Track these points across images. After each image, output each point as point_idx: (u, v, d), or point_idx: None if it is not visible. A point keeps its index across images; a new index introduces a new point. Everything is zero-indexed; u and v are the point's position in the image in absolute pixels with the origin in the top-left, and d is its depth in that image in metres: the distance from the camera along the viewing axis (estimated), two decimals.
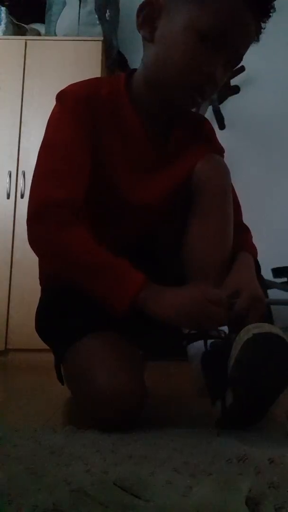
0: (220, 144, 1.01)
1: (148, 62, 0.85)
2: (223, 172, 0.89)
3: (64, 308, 0.86)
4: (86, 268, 0.76)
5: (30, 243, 0.82)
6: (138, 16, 0.82)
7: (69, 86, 0.88)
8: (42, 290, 0.99)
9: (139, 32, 0.84)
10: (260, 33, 0.81)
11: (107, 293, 0.74)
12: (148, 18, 0.82)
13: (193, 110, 0.98)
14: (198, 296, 0.72)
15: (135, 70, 0.91)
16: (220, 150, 1.00)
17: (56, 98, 0.87)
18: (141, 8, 0.82)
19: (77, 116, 0.84)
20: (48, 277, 0.97)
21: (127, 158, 0.87)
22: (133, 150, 0.88)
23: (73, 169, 0.81)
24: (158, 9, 0.81)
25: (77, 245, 0.77)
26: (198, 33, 0.77)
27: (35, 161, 0.84)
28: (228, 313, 0.74)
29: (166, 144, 0.91)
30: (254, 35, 0.80)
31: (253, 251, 0.95)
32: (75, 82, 0.89)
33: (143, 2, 0.82)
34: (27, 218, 0.81)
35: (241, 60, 0.83)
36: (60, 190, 0.79)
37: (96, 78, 0.99)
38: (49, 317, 0.92)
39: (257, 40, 0.82)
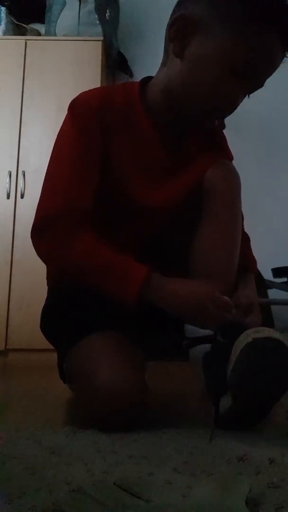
0: (231, 152, 1.02)
1: (173, 77, 0.84)
2: (234, 179, 0.90)
3: (69, 308, 0.88)
4: (92, 271, 0.79)
5: (38, 255, 0.85)
6: (170, 28, 0.81)
7: (81, 94, 0.89)
8: (49, 291, 1.00)
9: (169, 44, 0.83)
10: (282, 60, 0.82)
11: (115, 291, 0.77)
12: (180, 33, 0.80)
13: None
14: (206, 294, 0.75)
15: (149, 78, 0.92)
16: (230, 158, 1.00)
17: (68, 106, 0.88)
18: (174, 22, 0.80)
19: (85, 128, 0.85)
20: (54, 278, 0.98)
21: (140, 164, 0.88)
22: (146, 156, 0.89)
23: (75, 182, 0.83)
24: (193, 26, 0.79)
25: (80, 252, 0.80)
26: (231, 65, 0.78)
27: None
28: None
29: (179, 151, 0.92)
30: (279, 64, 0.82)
31: (253, 264, 0.98)
32: (88, 89, 0.90)
33: (177, 15, 0.80)
34: (31, 233, 0.84)
35: (263, 86, 0.84)
36: (59, 202, 0.82)
37: (109, 86, 1.01)
38: (54, 317, 0.94)
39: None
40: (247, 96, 0.85)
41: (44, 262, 0.88)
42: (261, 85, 0.83)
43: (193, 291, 0.77)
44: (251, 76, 0.80)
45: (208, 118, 0.86)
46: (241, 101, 0.84)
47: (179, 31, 0.80)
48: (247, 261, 0.95)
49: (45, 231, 0.83)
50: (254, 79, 0.81)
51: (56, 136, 0.89)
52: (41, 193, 0.85)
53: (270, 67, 0.80)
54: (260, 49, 0.77)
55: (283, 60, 0.81)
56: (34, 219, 0.84)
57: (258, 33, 0.76)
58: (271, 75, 0.82)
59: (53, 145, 0.88)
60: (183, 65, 0.82)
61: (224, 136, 1.01)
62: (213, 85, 0.80)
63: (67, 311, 0.89)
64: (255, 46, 0.77)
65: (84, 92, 0.89)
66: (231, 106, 0.83)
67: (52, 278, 0.99)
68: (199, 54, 0.80)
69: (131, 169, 0.88)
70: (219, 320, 0.75)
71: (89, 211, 0.84)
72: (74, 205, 0.82)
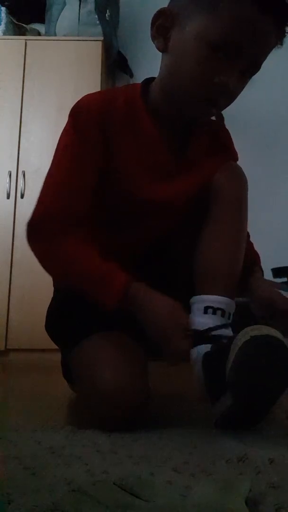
0: (236, 151, 1.01)
1: (163, 72, 0.85)
2: (240, 182, 0.90)
3: (73, 308, 0.89)
4: (75, 275, 0.81)
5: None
6: (151, 27, 0.81)
7: (82, 98, 0.88)
8: (55, 291, 1.01)
9: (153, 43, 0.83)
10: (284, 37, 0.78)
11: (95, 296, 0.78)
12: (161, 29, 0.81)
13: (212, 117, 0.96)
14: (167, 321, 0.75)
15: (152, 78, 0.91)
16: (236, 157, 1.00)
17: (70, 111, 0.87)
18: (155, 19, 0.81)
19: (84, 133, 0.84)
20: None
21: (145, 166, 0.88)
22: (151, 158, 0.88)
23: (68, 187, 0.83)
24: (171, 19, 0.79)
25: (65, 256, 0.81)
26: (210, 43, 0.75)
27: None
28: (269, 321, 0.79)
29: (184, 151, 0.91)
30: (273, 41, 0.78)
31: (257, 259, 1.00)
32: (90, 93, 0.90)
33: (156, 13, 0.80)
34: (26, 232, 0.84)
35: (259, 68, 0.80)
36: (53, 205, 0.83)
37: (112, 89, 1.00)
38: (59, 316, 0.95)
39: (281, 44, 0.79)
40: (245, 92, 0.82)
41: (38, 261, 0.87)
42: (256, 67, 0.80)
43: (159, 313, 0.76)
44: (235, 52, 0.76)
45: (203, 107, 0.83)
46: (237, 86, 0.80)
47: (160, 27, 0.81)
48: (252, 256, 0.95)
49: (35, 232, 0.84)
50: (241, 58, 0.77)
51: (56, 138, 0.88)
52: (38, 196, 0.86)
53: (256, 43, 0.76)
54: (239, 23, 0.74)
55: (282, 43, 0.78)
56: (28, 220, 0.84)
57: (231, 5, 0.73)
58: (263, 53, 0.78)
59: (53, 145, 0.88)
60: (168, 58, 0.82)
61: (229, 134, 1.00)
62: (196, 68, 0.78)
63: (71, 310, 0.90)
64: (232, 20, 0.74)
65: (85, 96, 0.88)
66: (223, 90, 0.79)
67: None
68: (179, 41, 0.79)
69: (135, 168, 0.87)
70: (176, 354, 0.76)
71: (81, 215, 0.83)
72: (65, 209, 0.82)
